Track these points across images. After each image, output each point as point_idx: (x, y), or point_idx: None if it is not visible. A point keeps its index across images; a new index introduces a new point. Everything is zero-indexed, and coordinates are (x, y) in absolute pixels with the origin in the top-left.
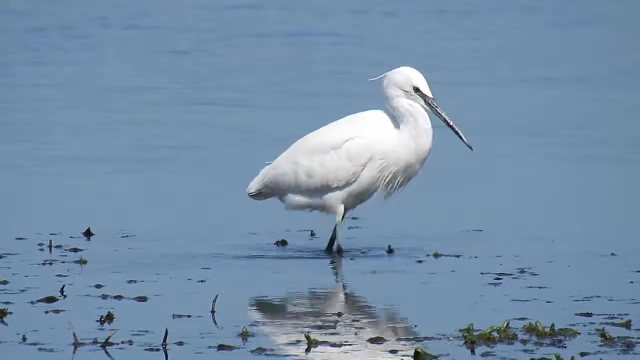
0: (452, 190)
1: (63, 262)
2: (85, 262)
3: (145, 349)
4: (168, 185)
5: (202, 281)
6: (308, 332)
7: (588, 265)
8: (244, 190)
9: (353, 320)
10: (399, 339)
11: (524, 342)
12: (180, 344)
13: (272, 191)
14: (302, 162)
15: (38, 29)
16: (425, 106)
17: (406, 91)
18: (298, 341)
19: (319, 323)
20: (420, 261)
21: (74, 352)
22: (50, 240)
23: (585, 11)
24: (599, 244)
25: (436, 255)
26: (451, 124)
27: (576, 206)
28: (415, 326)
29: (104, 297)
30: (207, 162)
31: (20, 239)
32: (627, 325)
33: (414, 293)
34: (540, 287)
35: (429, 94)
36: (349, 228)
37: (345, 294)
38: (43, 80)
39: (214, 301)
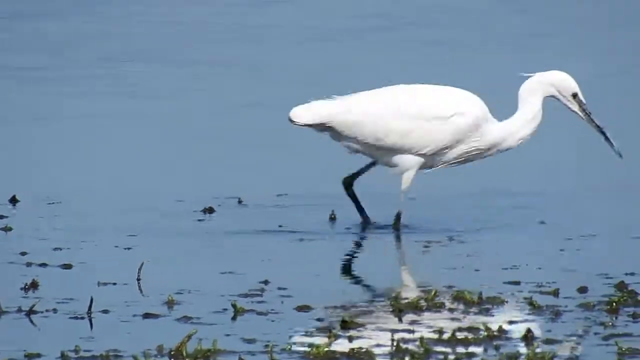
0: None
1: None
2: (10, 229)
3: (70, 317)
4: (94, 148)
5: (128, 249)
6: (234, 300)
7: (517, 233)
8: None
9: (280, 289)
10: (326, 307)
11: (451, 310)
12: (105, 312)
13: (327, 129)
14: (397, 124)
15: None
16: (578, 112)
17: (563, 95)
18: (224, 309)
19: (246, 291)
20: (348, 228)
21: None
22: None
23: None
24: (528, 212)
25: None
26: (604, 130)
27: (505, 174)
28: (343, 294)
29: (29, 264)
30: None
31: None
32: (556, 293)
33: (343, 261)
34: (468, 255)
35: (584, 101)
36: (277, 196)
37: (273, 262)
38: None
39: (140, 269)
